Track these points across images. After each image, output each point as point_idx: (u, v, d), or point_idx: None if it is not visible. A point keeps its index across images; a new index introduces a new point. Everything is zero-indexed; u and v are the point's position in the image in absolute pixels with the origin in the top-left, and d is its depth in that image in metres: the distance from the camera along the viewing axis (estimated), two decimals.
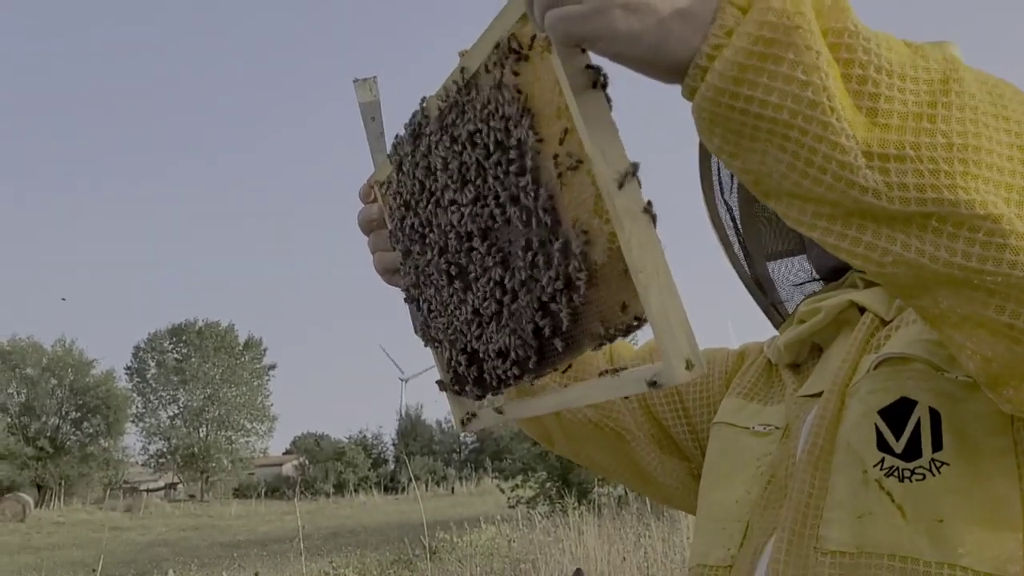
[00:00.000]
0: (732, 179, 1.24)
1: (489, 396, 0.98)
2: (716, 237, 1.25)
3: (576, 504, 13.58)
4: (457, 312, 0.92)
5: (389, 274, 1.08)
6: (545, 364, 0.82)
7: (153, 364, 45.41)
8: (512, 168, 0.75)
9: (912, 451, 0.83)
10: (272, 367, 47.69)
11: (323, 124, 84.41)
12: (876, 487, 0.84)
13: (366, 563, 10.64)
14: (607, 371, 0.77)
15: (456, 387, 1.01)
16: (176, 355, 45.47)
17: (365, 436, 50.93)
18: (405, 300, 1.06)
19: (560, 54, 0.65)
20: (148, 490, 41.99)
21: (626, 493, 14.32)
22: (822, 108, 0.61)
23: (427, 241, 0.94)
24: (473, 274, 0.87)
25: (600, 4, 0.62)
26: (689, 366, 0.61)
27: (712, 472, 1.09)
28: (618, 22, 0.62)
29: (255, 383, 46.59)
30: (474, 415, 1.03)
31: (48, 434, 40.17)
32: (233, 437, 45.22)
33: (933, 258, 0.63)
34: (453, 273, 0.91)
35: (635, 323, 0.68)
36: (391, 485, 42.95)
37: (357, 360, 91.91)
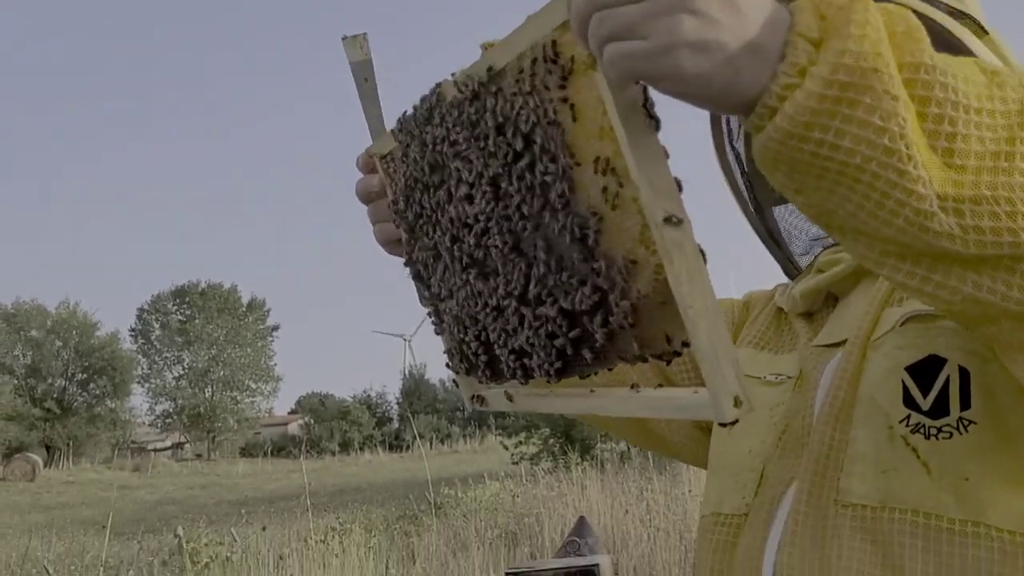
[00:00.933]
0: (740, 125, 1.21)
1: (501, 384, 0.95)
2: (726, 184, 1.23)
3: (579, 460, 13.71)
4: (471, 301, 0.88)
5: (391, 245, 1.05)
6: (568, 372, 0.79)
7: (157, 326, 45.58)
8: (544, 179, 0.71)
9: (939, 409, 0.83)
10: (275, 328, 47.87)
11: (321, 84, 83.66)
12: (901, 443, 0.83)
13: (372, 518, 10.77)
14: (636, 384, 0.76)
15: (465, 368, 0.98)
16: (180, 317, 45.61)
17: (369, 395, 51.30)
18: (411, 277, 1.03)
19: (610, 81, 0.61)
20: (155, 450, 42.45)
21: (628, 449, 14.44)
22: (898, 156, 0.58)
23: (436, 225, 0.90)
24: (491, 268, 0.83)
25: (667, 42, 0.57)
26: (737, 403, 0.60)
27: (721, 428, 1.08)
28: (686, 62, 0.57)
29: (259, 344, 46.80)
30: (483, 398, 1.01)
31: (55, 395, 40.48)
32: (238, 397, 45.55)
33: (1005, 296, 0.63)
34: (466, 263, 0.87)
35: (676, 353, 0.66)
36: (396, 443, 43.34)
37: (360, 320, 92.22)
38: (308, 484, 9.70)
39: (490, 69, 0.75)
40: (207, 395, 44.57)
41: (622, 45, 0.58)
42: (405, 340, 56.64)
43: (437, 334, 1.01)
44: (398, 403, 50.70)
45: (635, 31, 0.58)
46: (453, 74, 0.82)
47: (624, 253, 0.66)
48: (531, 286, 0.77)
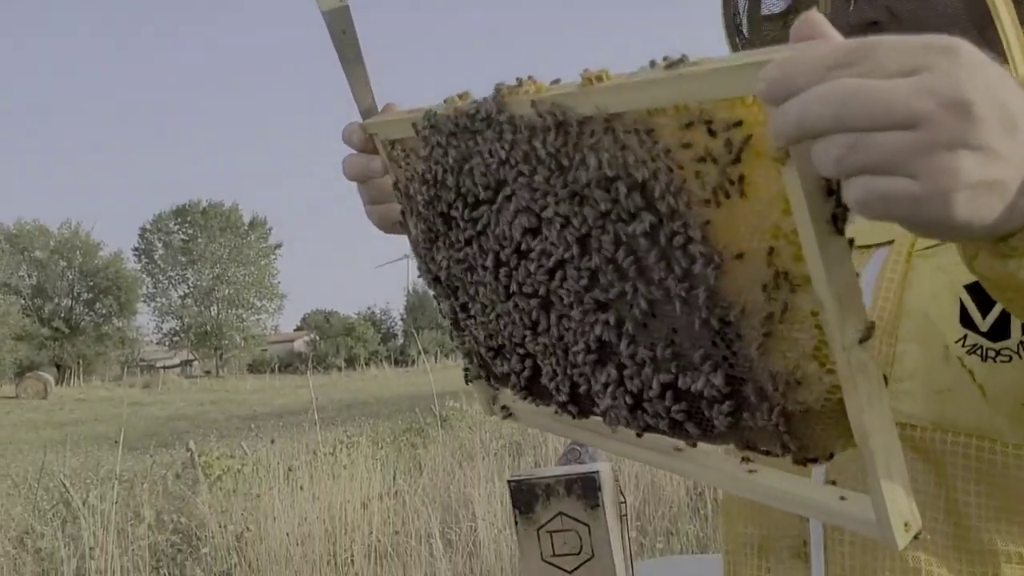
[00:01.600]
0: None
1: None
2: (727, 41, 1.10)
3: None
4: (518, 326, 0.78)
5: (391, 226, 0.94)
6: (649, 431, 0.71)
7: (160, 245, 45.66)
8: (674, 253, 0.60)
9: (999, 331, 0.80)
10: (278, 246, 47.92)
11: None
12: (957, 364, 0.81)
13: (379, 431, 10.98)
14: (747, 458, 0.67)
15: (485, 375, 0.88)
16: (182, 236, 45.65)
17: (374, 312, 51.73)
18: (423, 276, 0.91)
19: (806, 186, 0.51)
20: (164, 367, 43.07)
21: None
22: None
23: (473, 240, 0.79)
24: (557, 307, 0.73)
25: (945, 186, 0.46)
26: (907, 528, 0.56)
27: None
28: (960, 209, 0.47)
29: (262, 262, 46.94)
30: (510, 411, 0.93)
31: (62, 315, 40.87)
32: (244, 315, 45.96)
33: None
34: (514, 291, 0.76)
35: (823, 461, 0.61)
36: (401, 358, 43.87)
37: (363, 238, 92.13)
38: (315, 399, 9.85)
39: (598, 106, 0.62)
40: (213, 313, 44.94)
41: (881, 183, 0.47)
42: (408, 259, 56.80)
43: (453, 336, 0.92)
44: (402, 319, 51.12)
45: (901, 167, 0.47)
46: (520, 82, 0.69)
47: (786, 367, 0.58)
48: (622, 345, 0.68)
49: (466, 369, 0.93)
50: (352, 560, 5.28)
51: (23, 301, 39.88)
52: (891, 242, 0.90)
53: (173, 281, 45.71)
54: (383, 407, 18.54)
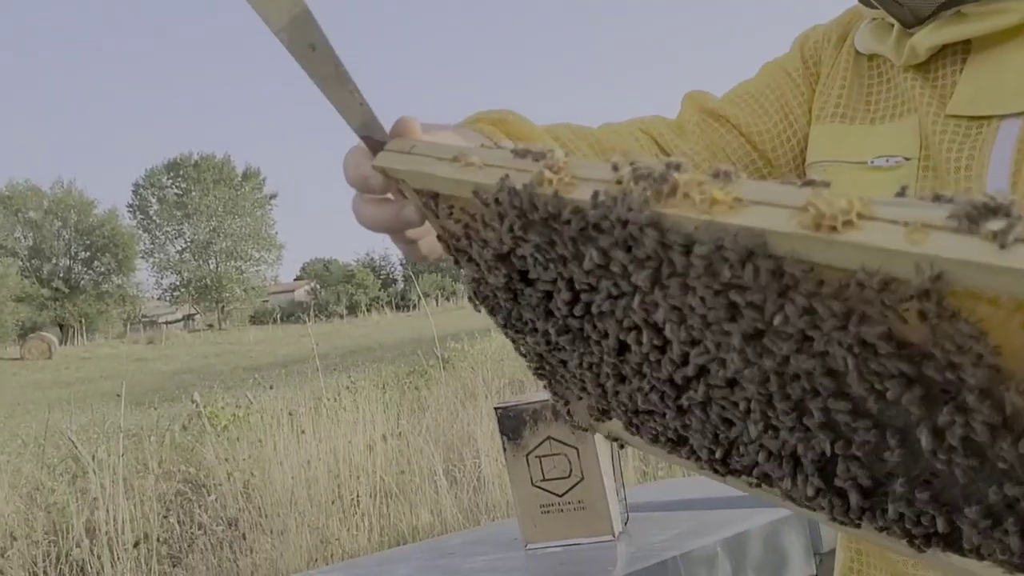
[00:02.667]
0: None
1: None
2: None
3: None
4: (637, 387, 0.62)
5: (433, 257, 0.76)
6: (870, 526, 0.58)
7: (154, 200, 45.39)
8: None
9: None
10: (273, 196, 47.65)
11: None
12: None
13: (383, 375, 11.05)
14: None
15: (598, 417, 0.72)
16: (176, 190, 45.36)
17: (372, 258, 51.66)
18: (496, 320, 0.71)
19: None
20: (167, 322, 43.24)
21: None
22: None
23: (577, 319, 0.61)
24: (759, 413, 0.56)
25: None
26: None
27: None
28: None
29: (258, 213, 46.73)
30: (621, 441, 0.75)
31: (61, 275, 40.86)
32: (243, 267, 45.93)
33: None
34: (646, 371, 0.60)
35: None
36: (402, 303, 44.02)
37: None
38: (316, 345, 9.89)
39: (766, 243, 0.43)
40: (212, 266, 44.92)
41: None
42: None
43: (539, 377, 0.75)
44: (402, 264, 51.10)
45: None
46: (665, 176, 0.47)
47: None
48: (848, 469, 0.52)
49: (560, 399, 0.75)
50: (358, 501, 5.34)
51: (20, 263, 39.82)
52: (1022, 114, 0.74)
53: (170, 236, 45.57)
54: (386, 352, 18.64)
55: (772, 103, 0.91)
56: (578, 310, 0.60)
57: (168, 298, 45.92)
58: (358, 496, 5.39)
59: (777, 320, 0.46)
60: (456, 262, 0.69)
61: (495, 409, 1.47)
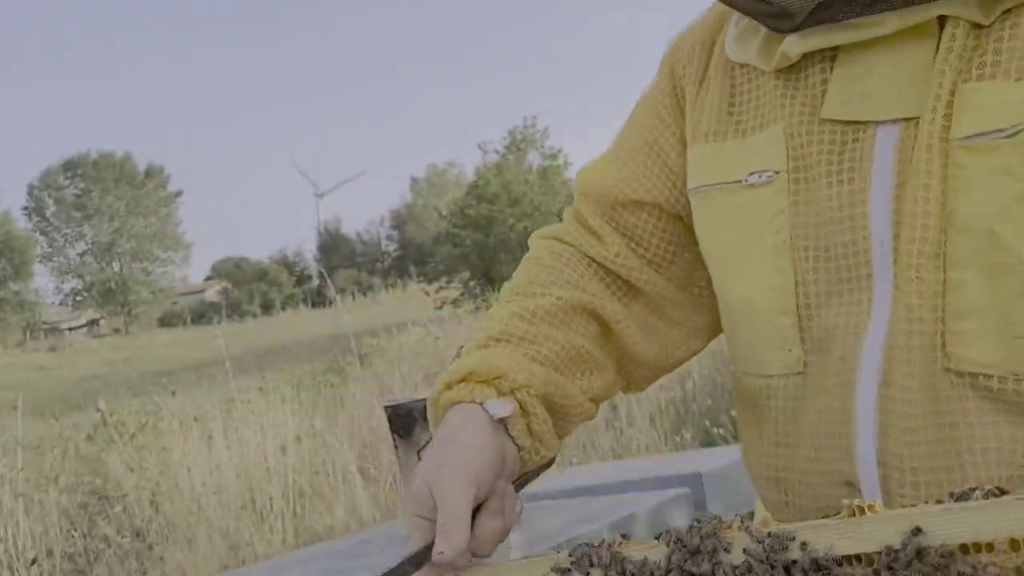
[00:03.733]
0: None
1: None
2: None
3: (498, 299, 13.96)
4: None
5: None
6: None
7: (51, 201, 43.42)
8: None
9: None
10: (178, 194, 46.17)
11: None
12: None
13: (298, 374, 10.88)
14: None
15: None
16: (74, 190, 43.48)
17: (286, 255, 50.67)
18: None
19: None
20: (70, 329, 41.48)
21: None
22: None
23: None
24: None
25: None
26: None
27: (719, 261, 0.84)
28: None
29: (162, 212, 45.20)
30: None
31: None
32: (149, 268, 44.38)
33: None
34: None
35: None
36: (318, 300, 43.25)
37: (268, 178, 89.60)
38: (226, 346, 9.64)
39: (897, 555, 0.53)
40: (115, 269, 43.29)
41: None
42: (317, 197, 55.52)
43: None
44: (316, 260, 50.30)
45: None
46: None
47: None
48: None
49: None
50: (271, 504, 5.25)
51: None
52: (908, 120, 0.70)
53: (69, 239, 43.68)
54: (302, 350, 18.35)
55: (653, 160, 0.90)
56: None
57: (70, 303, 44.08)
58: (271, 499, 5.30)
59: None
60: None
61: (384, 408, 1.47)
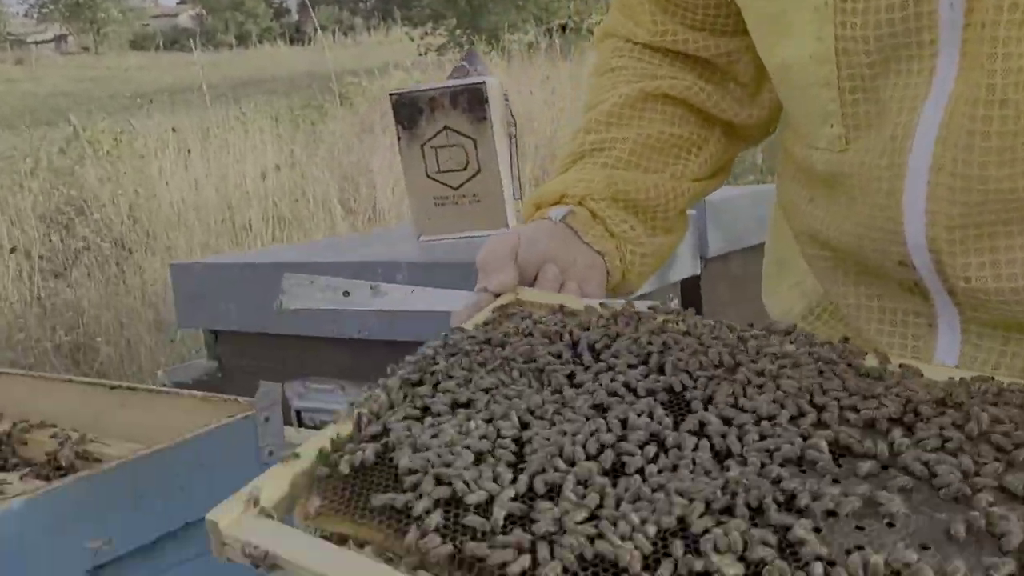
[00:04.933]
0: None
1: None
2: None
3: (487, 50, 13.48)
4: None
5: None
6: None
7: None
8: None
9: None
10: None
11: None
12: None
13: (276, 108, 10.61)
14: None
15: None
16: None
17: None
18: None
19: None
20: (36, 43, 39.67)
21: (536, 39, 14.16)
22: None
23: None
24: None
25: None
26: None
27: (756, 22, 0.77)
28: None
29: None
30: None
31: None
32: None
33: None
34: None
35: None
36: (297, 36, 41.49)
37: None
38: (203, 71, 9.28)
39: None
40: None
41: None
42: None
43: None
44: None
45: None
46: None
47: None
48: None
49: None
50: (250, 225, 5.27)
51: None
52: None
53: None
54: (279, 85, 17.81)
55: None
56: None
57: (36, 15, 41.85)
58: (250, 220, 5.32)
59: None
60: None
61: (389, 95, 1.40)
